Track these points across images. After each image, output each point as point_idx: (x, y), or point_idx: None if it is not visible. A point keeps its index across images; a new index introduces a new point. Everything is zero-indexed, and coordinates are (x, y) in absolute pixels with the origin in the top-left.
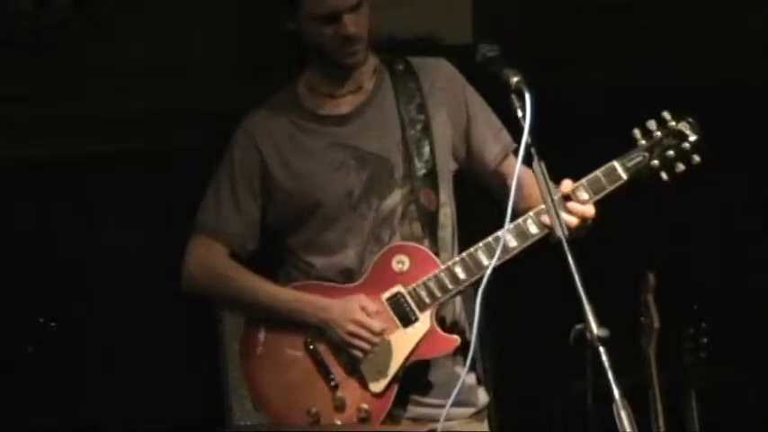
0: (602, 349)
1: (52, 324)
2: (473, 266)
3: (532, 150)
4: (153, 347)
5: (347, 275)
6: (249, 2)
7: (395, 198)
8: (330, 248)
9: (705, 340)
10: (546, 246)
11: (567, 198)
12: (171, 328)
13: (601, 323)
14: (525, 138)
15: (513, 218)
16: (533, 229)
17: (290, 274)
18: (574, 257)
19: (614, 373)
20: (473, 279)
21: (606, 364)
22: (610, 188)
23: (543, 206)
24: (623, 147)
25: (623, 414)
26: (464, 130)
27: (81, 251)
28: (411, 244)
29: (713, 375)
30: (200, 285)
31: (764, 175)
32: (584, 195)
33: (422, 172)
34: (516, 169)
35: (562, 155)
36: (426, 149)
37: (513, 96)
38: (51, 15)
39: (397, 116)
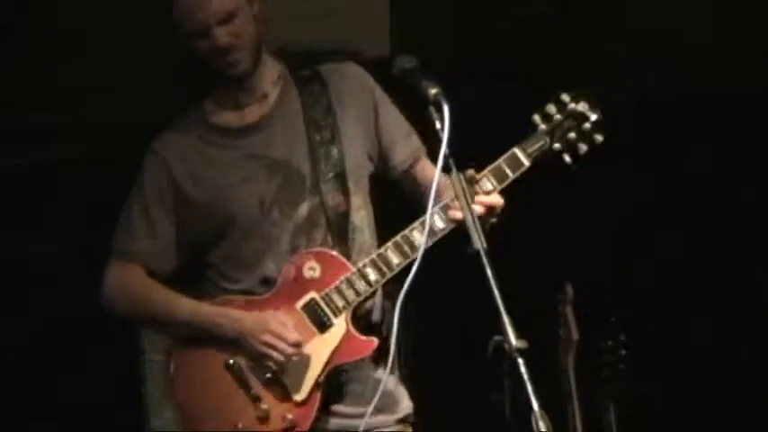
0: (520, 361)
1: None
2: (384, 266)
3: (450, 161)
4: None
5: (269, 285)
6: None
7: (307, 205)
8: (249, 260)
9: (623, 352)
10: (464, 256)
11: (470, 185)
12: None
13: (519, 335)
14: (444, 149)
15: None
16: (440, 224)
17: (211, 290)
18: (492, 269)
19: (533, 384)
20: (385, 279)
21: (525, 375)
22: (513, 176)
23: (448, 201)
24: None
25: (542, 426)
26: (373, 131)
27: (15, 263)
28: (321, 250)
29: (631, 387)
30: (120, 308)
31: (675, 177)
32: (489, 185)
33: (329, 176)
34: (436, 177)
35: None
36: (335, 152)
37: (432, 108)
38: None
39: (303, 123)
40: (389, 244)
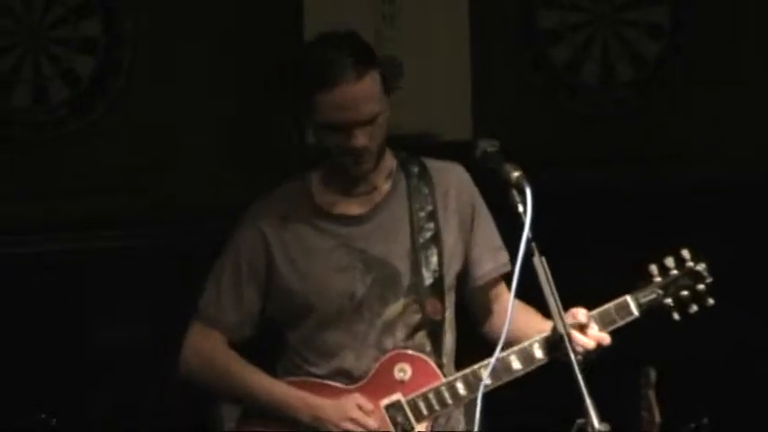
0: None
1: (54, 420)
2: (474, 384)
3: (533, 245)
4: None
5: (345, 377)
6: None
7: (399, 305)
8: (329, 349)
9: None
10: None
11: (581, 326)
12: (169, 423)
13: (601, 418)
14: (526, 233)
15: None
16: (539, 354)
17: (288, 368)
18: (575, 353)
19: None
20: (473, 396)
21: None
22: (620, 323)
23: (550, 333)
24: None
25: None
26: (466, 240)
27: (81, 347)
28: (415, 353)
29: None
30: (196, 374)
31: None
32: (594, 328)
33: (429, 282)
34: (518, 261)
35: (560, 255)
36: (434, 259)
37: (514, 191)
38: (48, 113)
39: (408, 222)
40: (484, 363)
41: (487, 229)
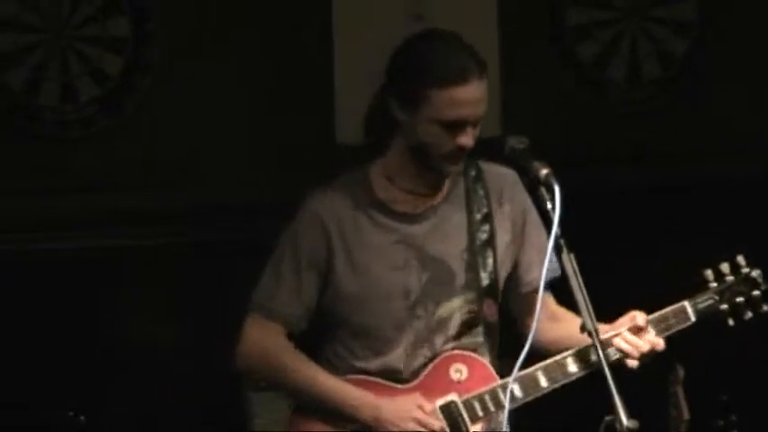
0: None
1: (81, 418)
2: (530, 386)
3: (562, 242)
4: None
5: (392, 375)
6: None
7: (453, 305)
8: (380, 345)
9: None
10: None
11: (638, 328)
12: (202, 423)
13: (630, 415)
14: (555, 230)
15: (535, 352)
16: (594, 358)
17: (332, 361)
18: (603, 349)
19: None
20: (529, 398)
21: None
22: (677, 328)
23: (606, 338)
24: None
25: None
26: (517, 245)
27: (110, 343)
28: (471, 354)
29: None
30: (254, 366)
31: None
32: (651, 333)
33: (485, 283)
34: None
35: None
36: (490, 261)
37: (543, 189)
38: (77, 110)
39: (465, 223)
40: (541, 365)
41: (538, 235)
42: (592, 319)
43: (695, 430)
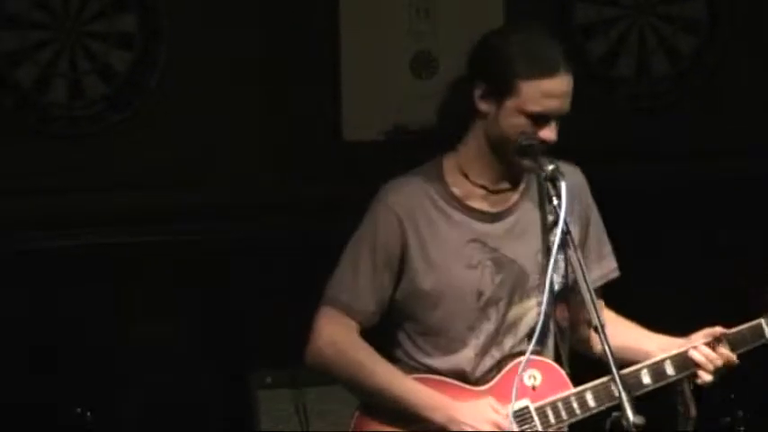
0: None
1: (89, 414)
2: (604, 397)
3: (569, 238)
4: None
5: (460, 376)
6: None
7: (524, 307)
8: (449, 344)
9: (742, 429)
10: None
11: (716, 341)
12: (208, 420)
13: (637, 411)
14: (561, 225)
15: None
16: (670, 371)
17: (400, 358)
18: (610, 345)
19: None
20: (602, 408)
21: None
22: (751, 345)
23: (681, 351)
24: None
25: None
26: (581, 245)
27: (118, 341)
28: (546, 361)
29: None
30: (327, 363)
31: None
32: (724, 348)
33: (559, 287)
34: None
35: None
36: (562, 264)
37: (549, 184)
38: (85, 107)
39: (540, 225)
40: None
41: (599, 235)
42: (598, 316)
43: (702, 427)
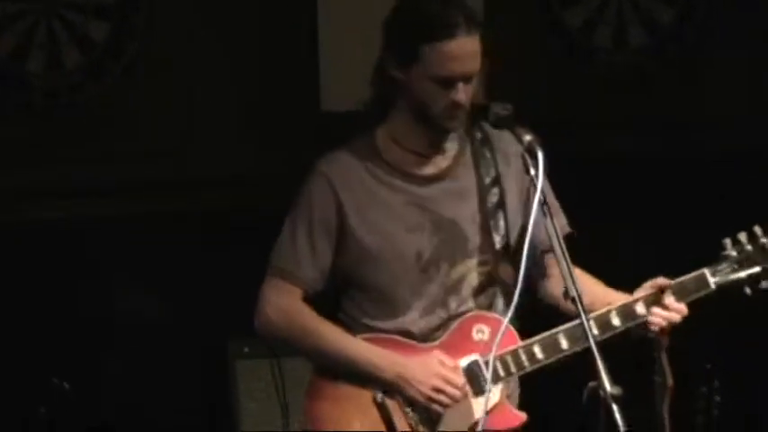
0: (615, 407)
1: (65, 385)
2: (552, 348)
3: (545, 209)
4: (167, 409)
5: (407, 336)
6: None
7: (466, 267)
8: (394, 307)
9: (718, 399)
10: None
11: (661, 293)
12: (186, 390)
13: (614, 381)
14: (538, 196)
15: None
16: (616, 322)
17: (347, 323)
18: (587, 315)
19: (627, 431)
20: (550, 361)
21: (619, 422)
22: (695, 295)
23: (628, 303)
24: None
25: None
26: (526, 205)
27: (96, 312)
28: (493, 316)
29: None
30: (276, 331)
31: None
32: (671, 299)
33: (499, 245)
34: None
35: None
36: (501, 223)
37: (526, 155)
38: (63, 78)
39: (476, 186)
40: (562, 329)
41: (546, 192)
42: (575, 285)
43: (679, 397)
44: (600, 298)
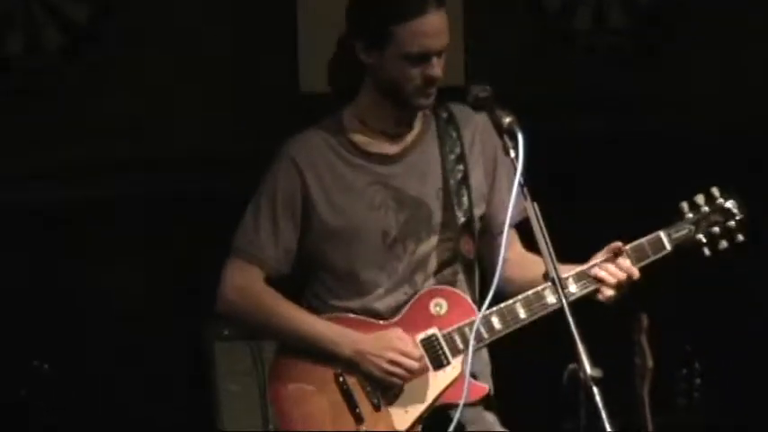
0: (595, 389)
1: (45, 366)
2: (510, 319)
3: (525, 190)
4: (148, 389)
5: (375, 315)
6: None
7: (431, 244)
8: (361, 286)
9: (698, 381)
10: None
11: (615, 256)
12: (166, 369)
13: (594, 363)
14: (518, 178)
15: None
16: (573, 289)
17: (315, 304)
18: (567, 297)
19: (607, 413)
20: (508, 330)
21: (599, 404)
22: (653, 257)
23: (584, 268)
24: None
25: None
26: (489, 185)
27: (76, 294)
28: (450, 289)
29: (706, 416)
30: (236, 311)
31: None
32: (627, 262)
33: (462, 221)
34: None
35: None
36: (465, 199)
37: (506, 137)
38: (42, 59)
39: (440, 163)
40: (520, 297)
41: (509, 177)
42: (555, 267)
43: (659, 378)
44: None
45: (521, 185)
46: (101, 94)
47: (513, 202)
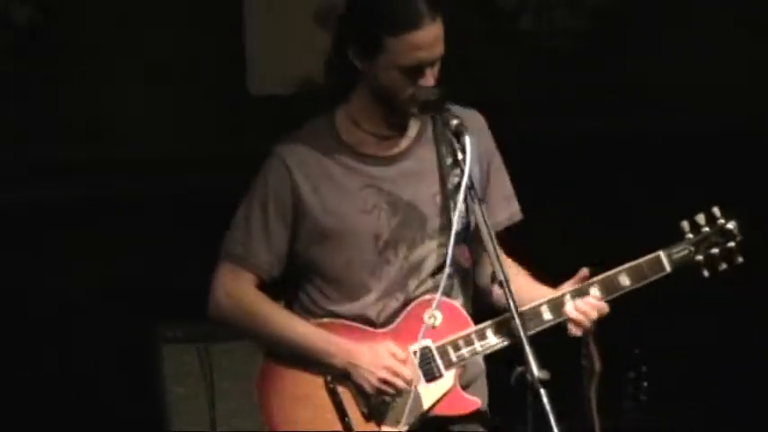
0: (542, 391)
1: None
2: (504, 332)
3: (472, 192)
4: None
5: (366, 321)
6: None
7: (426, 249)
8: (353, 291)
9: (645, 384)
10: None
11: (583, 292)
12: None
13: (541, 366)
14: (466, 180)
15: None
16: (546, 317)
17: (307, 307)
18: (514, 299)
19: (555, 415)
20: (503, 344)
21: (547, 406)
22: (651, 278)
23: (556, 296)
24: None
25: None
26: (482, 188)
27: (31, 300)
28: (445, 300)
29: (653, 419)
30: (227, 316)
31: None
32: (626, 282)
33: (458, 228)
34: (458, 205)
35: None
36: (462, 205)
37: (453, 139)
38: None
39: (437, 167)
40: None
41: (502, 178)
42: (502, 269)
43: (607, 382)
44: (525, 291)
45: (468, 188)
46: (45, 95)
47: (459, 205)
